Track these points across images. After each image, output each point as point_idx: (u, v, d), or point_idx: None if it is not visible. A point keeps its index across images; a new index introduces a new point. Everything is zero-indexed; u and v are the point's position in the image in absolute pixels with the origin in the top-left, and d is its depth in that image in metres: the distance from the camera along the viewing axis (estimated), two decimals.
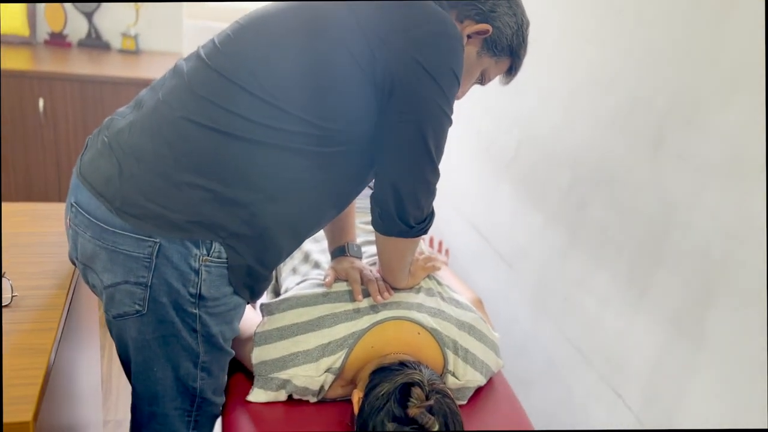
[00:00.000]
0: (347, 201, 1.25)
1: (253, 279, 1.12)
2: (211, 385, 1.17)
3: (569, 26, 1.68)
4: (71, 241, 1.12)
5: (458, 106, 1.17)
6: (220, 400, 1.22)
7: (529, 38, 1.20)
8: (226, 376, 1.22)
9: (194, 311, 1.07)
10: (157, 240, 1.02)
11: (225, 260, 1.06)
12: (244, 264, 1.08)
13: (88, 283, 1.13)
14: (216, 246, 1.05)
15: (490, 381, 1.37)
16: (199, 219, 1.03)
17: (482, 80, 1.23)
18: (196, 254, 1.04)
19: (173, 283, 1.04)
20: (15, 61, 2.62)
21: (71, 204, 1.09)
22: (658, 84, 1.33)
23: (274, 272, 1.21)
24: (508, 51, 1.17)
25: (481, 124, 2.24)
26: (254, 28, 1.09)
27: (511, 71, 1.23)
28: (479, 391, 1.34)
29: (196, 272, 1.05)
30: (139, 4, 2.99)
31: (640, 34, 1.40)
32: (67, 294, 1.17)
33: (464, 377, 1.27)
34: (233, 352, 1.20)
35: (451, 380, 1.26)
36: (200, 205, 1.02)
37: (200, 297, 1.07)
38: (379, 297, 1.28)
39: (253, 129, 1.02)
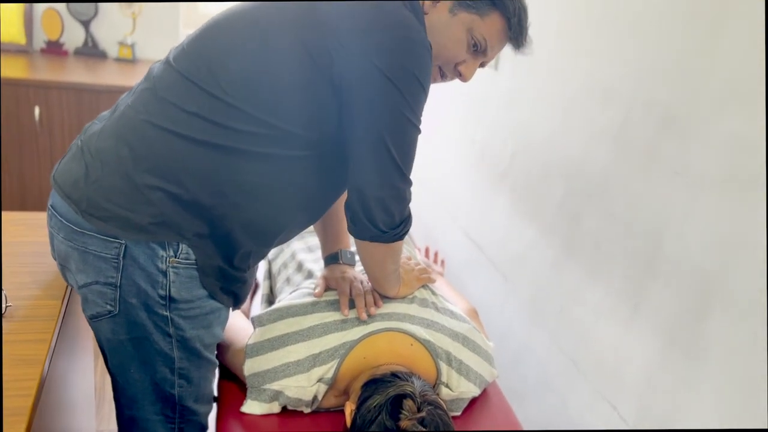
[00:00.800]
0: (321, 207, 1.23)
1: (227, 281, 1.11)
2: (192, 393, 1.16)
3: (564, 37, 1.69)
4: (50, 243, 1.14)
5: (452, 114, 1.17)
6: (205, 409, 1.21)
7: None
8: (212, 386, 1.21)
9: (165, 313, 1.07)
10: (123, 241, 1.03)
11: (194, 261, 1.06)
12: (214, 265, 1.08)
13: (68, 283, 1.14)
14: (183, 247, 1.05)
15: (484, 392, 1.37)
16: (162, 220, 1.02)
17: (478, 46, 1.12)
18: (162, 256, 1.04)
19: (141, 284, 1.05)
20: (11, 69, 2.63)
21: (49, 207, 1.11)
22: (652, 96, 1.33)
23: (252, 275, 1.19)
24: (488, 1, 1.09)
25: (475, 133, 2.24)
26: (218, 28, 1.07)
27: (512, 31, 1.12)
28: (473, 401, 1.34)
29: (164, 274, 1.05)
30: (136, 12, 3.00)
31: (635, 45, 1.40)
32: (62, 304, 1.16)
33: (458, 389, 1.26)
34: (215, 360, 1.19)
35: (444, 392, 1.25)
36: (162, 207, 1.02)
37: (170, 299, 1.07)
38: (364, 314, 1.26)
39: (212, 131, 1.01)
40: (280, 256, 1.62)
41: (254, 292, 1.66)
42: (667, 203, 1.27)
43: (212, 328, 1.14)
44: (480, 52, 1.14)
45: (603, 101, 1.50)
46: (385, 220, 1.11)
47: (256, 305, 1.59)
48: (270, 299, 1.57)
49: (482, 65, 1.18)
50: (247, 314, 1.49)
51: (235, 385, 1.29)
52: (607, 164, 1.47)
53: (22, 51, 2.88)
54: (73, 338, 1.31)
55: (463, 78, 1.17)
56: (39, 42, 2.94)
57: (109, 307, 1.06)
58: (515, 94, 1.94)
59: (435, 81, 1.17)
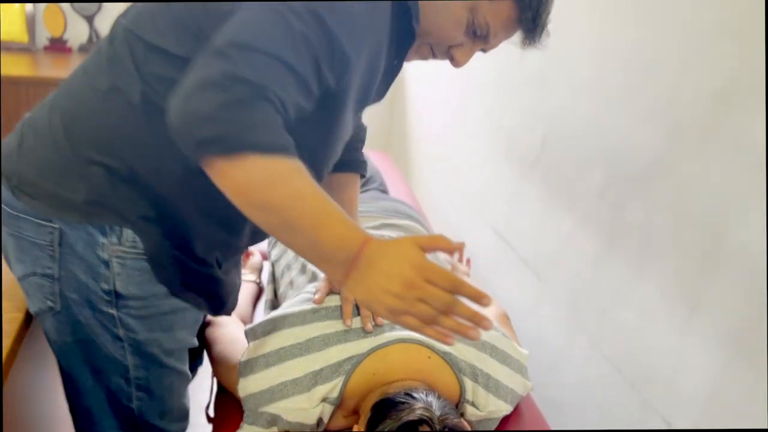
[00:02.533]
0: None
1: (188, 275, 0.98)
2: (155, 407, 1.07)
3: (600, 6, 1.60)
4: None
5: (475, 99, 1.06)
6: (176, 427, 1.13)
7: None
8: (185, 400, 1.13)
9: (111, 311, 0.97)
10: (57, 226, 0.93)
11: (143, 251, 0.94)
12: (167, 254, 0.95)
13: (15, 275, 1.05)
14: (128, 233, 0.93)
15: (516, 405, 1.25)
16: (97, 199, 0.91)
17: (477, 31, 0.97)
18: (103, 243, 0.93)
19: (81, 277, 0.95)
20: (14, 67, 2.66)
21: None
22: (706, 66, 1.22)
23: (229, 272, 1.06)
24: None
25: (502, 120, 2.18)
26: None
27: (522, 23, 0.97)
28: (504, 417, 1.22)
29: (106, 264, 0.94)
30: None
31: (684, 9, 1.29)
32: (24, 316, 1.06)
33: (486, 408, 1.14)
34: (185, 370, 1.09)
35: (470, 411, 1.13)
36: (98, 183, 0.91)
37: (117, 295, 0.96)
38: (369, 324, 1.13)
39: (156, 89, 0.87)
40: (284, 257, 1.52)
41: (258, 298, 1.57)
42: (728, 186, 1.17)
43: (174, 331, 1.03)
44: (479, 38, 0.99)
45: (646, 75, 1.41)
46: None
47: (260, 312, 1.50)
48: (274, 304, 1.47)
49: (483, 50, 1.03)
50: (248, 323, 1.39)
51: (234, 404, 1.17)
52: (654, 145, 1.37)
53: (25, 49, 2.88)
54: (43, 353, 1.21)
55: (456, 63, 1.02)
56: (42, 39, 2.94)
57: (49, 302, 0.97)
58: (545, 74, 1.87)
59: (424, 58, 1.04)
